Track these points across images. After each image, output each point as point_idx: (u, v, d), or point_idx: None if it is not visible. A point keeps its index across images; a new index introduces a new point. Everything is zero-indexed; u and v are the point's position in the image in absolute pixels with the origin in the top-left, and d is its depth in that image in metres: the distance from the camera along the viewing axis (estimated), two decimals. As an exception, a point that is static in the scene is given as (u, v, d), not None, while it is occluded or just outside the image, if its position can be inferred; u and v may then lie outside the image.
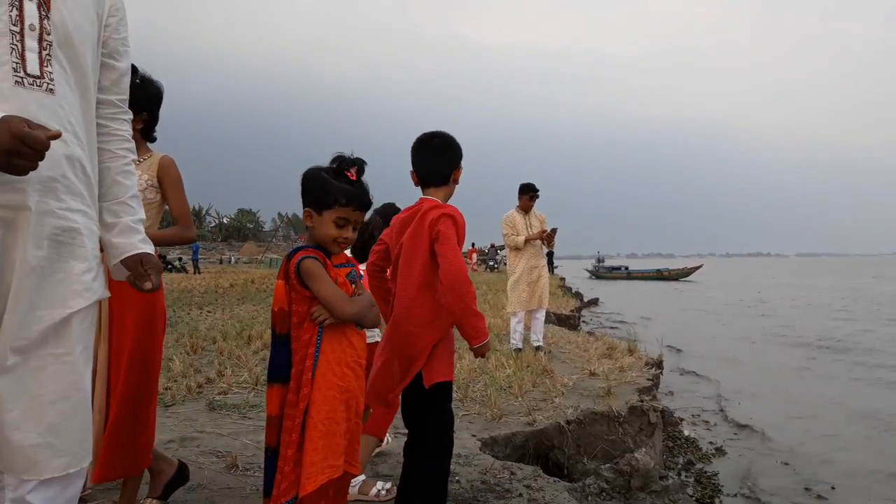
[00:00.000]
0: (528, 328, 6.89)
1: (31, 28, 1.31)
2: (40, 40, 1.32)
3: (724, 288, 33.32)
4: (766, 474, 4.93)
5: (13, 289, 1.28)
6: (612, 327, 13.66)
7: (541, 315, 6.71)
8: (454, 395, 4.46)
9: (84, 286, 1.37)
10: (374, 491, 2.72)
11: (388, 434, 3.39)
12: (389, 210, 2.92)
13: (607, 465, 3.30)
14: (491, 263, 33.14)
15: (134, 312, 2.21)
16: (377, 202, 2.16)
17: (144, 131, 2.41)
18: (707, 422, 6.47)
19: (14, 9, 1.29)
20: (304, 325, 1.87)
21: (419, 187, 2.41)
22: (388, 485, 2.75)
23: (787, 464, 5.18)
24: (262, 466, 1.96)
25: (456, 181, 2.41)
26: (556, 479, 3.23)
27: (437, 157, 2.38)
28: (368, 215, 2.32)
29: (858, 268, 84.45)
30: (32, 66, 1.30)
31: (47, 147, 1.22)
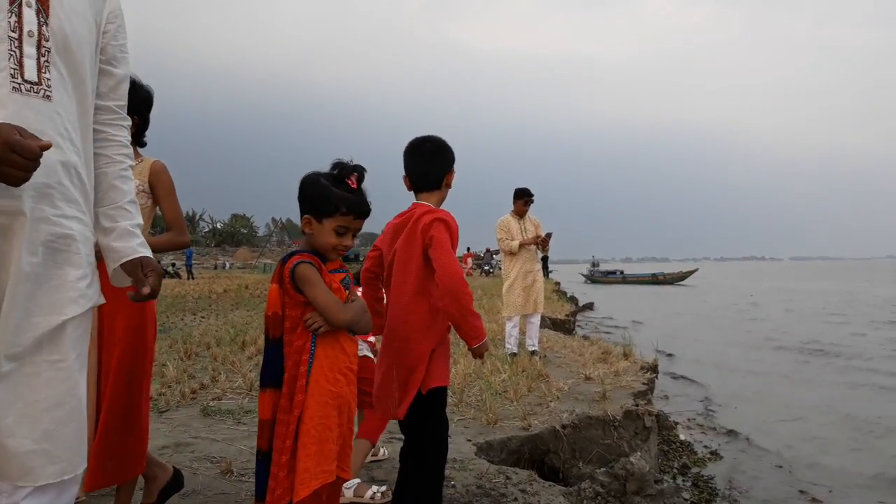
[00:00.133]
0: (523, 333, 6.90)
1: (30, 34, 1.31)
2: (38, 46, 1.32)
3: (719, 292, 33.43)
4: (761, 478, 4.94)
5: (7, 295, 1.27)
6: (606, 332, 13.68)
7: (536, 320, 6.72)
8: (449, 400, 4.47)
9: (79, 293, 1.37)
10: (369, 493, 2.72)
11: (383, 448, 3.39)
12: None
13: (603, 470, 3.30)
14: (486, 268, 33.19)
15: (124, 317, 2.20)
16: (372, 207, 2.17)
17: (135, 136, 2.40)
18: (701, 426, 6.49)
19: (13, 15, 1.29)
20: (298, 330, 1.87)
21: (412, 191, 2.42)
22: (384, 488, 2.76)
23: (780, 467, 5.20)
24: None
25: (448, 185, 2.41)
26: (551, 483, 3.23)
27: (429, 162, 2.38)
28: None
29: (853, 271, 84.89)
30: (30, 72, 1.30)
31: (39, 157, 1.21)
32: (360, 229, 1.96)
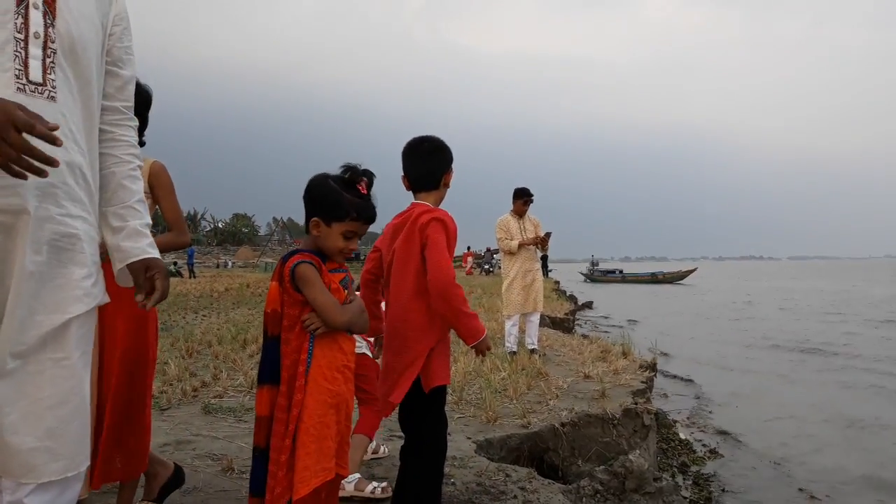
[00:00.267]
0: (522, 331, 6.92)
1: (36, 36, 1.32)
2: (44, 48, 1.33)
3: (717, 291, 33.41)
4: (760, 476, 4.96)
5: (12, 294, 1.28)
6: (605, 331, 13.70)
7: (535, 318, 6.74)
8: (449, 397, 4.49)
9: (83, 291, 1.38)
10: (369, 488, 2.74)
11: (383, 445, 3.41)
12: None
13: (602, 467, 3.32)
14: (486, 267, 33.19)
15: (125, 317, 2.21)
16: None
17: None
18: (699, 424, 6.50)
19: (19, 16, 1.30)
20: (296, 329, 1.89)
21: (410, 191, 2.43)
22: (384, 484, 2.78)
23: (778, 465, 5.21)
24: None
25: (447, 185, 2.43)
26: (550, 481, 3.25)
27: (427, 161, 2.40)
28: None
29: (850, 271, 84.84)
30: (35, 73, 1.31)
31: (38, 133, 1.16)
32: (364, 233, 1.98)
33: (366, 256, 2.60)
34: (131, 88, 1.61)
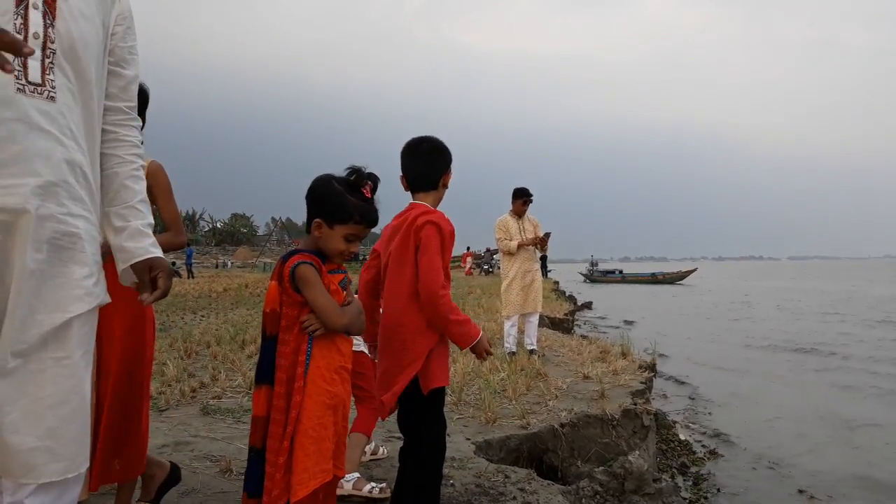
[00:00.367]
0: (522, 332, 6.91)
1: (35, 36, 1.32)
2: (44, 48, 1.33)
3: (717, 291, 33.44)
4: (759, 476, 4.96)
5: (13, 292, 1.28)
6: (603, 332, 13.69)
7: (534, 319, 6.73)
8: (448, 398, 4.48)
9: (85, 291, 1.38)
10: (367, 488, 2.74)
11: (382, 447, 3.40)
12: None
13: (601, 468, 3.31)
14: (485, 267, 33.20)
15: (122, 317, 2.20)
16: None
17: None
18: (697, 424, 6.50)
19: (18, 17, 1.30)
20: (294, 330, 1.88)
21: (409, 192, 2.43)
22: (383, 485, 2.78)
23: (778, 465, 5.21)
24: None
25: (445, 185, 2.43)
26: (550, 482, 3.24)
27: (426, 162, 2.40)
28: None
29: (850, 271, 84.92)
30: (34, 74, 1.32)
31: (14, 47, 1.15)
32: (366, 236, 1.98)
33: (364, 258, 2.60)
34: (134, 88, 1.61)
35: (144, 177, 1.63)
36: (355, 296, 2.07)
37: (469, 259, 34.75)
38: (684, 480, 4.70)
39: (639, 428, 4.20)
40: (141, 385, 2.28)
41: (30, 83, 1.31)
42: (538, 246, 6.65)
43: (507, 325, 6.69)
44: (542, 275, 9.53)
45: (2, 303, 1.29)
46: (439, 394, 2.30)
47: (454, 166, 2.46)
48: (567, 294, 22.50)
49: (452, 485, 3.00)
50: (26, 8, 1.31)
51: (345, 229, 1.91)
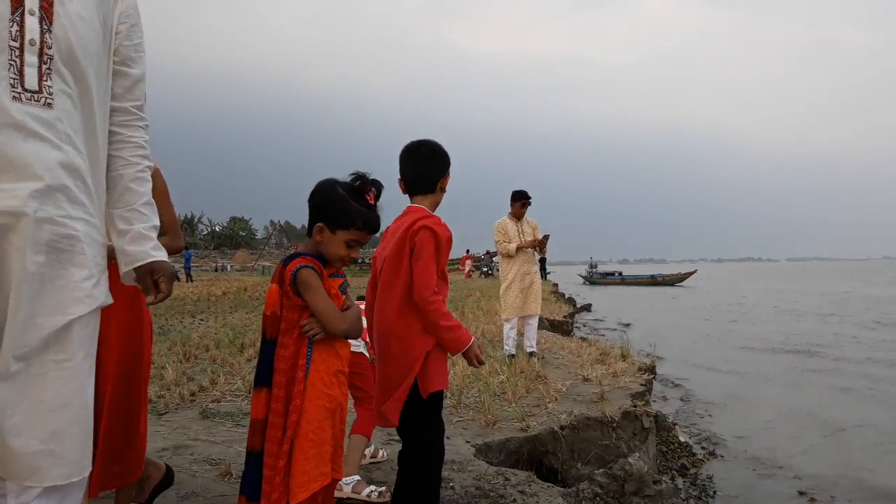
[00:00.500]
0: (521, 334, 6.91)
1: (31, 43, 1.32)
2: (40, 54, 1.33)
3: (716, 293, 33.46)
4: (760, 478, 4.96)
5: (13, 296, 1.28)
6: (601, 334, 13.69)
7: (534, 321, 6.73)
8: (448, 401, 4.48)
9: (84, 293, 1.38)
10: (366, 491, 2.74)
11: (382, 450, 3.40)
12: None
13: (601, 471, 3.31)
14: (485, 269, 33.18)
15: (119, 321, 2.20)
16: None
17: None
18: (697, 425, 6.50)
19: (14, 24, 1.30)
20: (294, 333, 1.88)
21: (407, 195, 2.43)
22: (382, 488, 2.77)
23: (780, 467, 5.21)
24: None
25: (443, 189, 2.43)
26: (550, 484, 3.24)
27: (423, 165, 2.40)
28: None
29: (848, 272, 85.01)
30: (31, 81, 1.32)
31: None
32: (367, 242, 1.99)
33: (363, 261, 2.60)
34: (141, 87, 1.60)
35: (150, 178, 1.63)
36: (354, 300, 2.08)
37: (468, 262, 34.74)
38: (684, 482, 4.70)
39: (639, 430, 4.20)
40: (139, 388, 2.27)
41: (26, 90, 1.31)
42: (537, 248, 6.66)
43: (506, 327, 6.68)
44: (542, 277, 9.52)
45: (1, 306, 1.29)
46: (438, 397, 2.30)
47: (453, 169, 2.46)
48: (566, 296, 22.49)
49: (452, 487, 2.99)
50: (22, 14, 1.30)
51: (347, 235, 1.91)
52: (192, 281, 29.36)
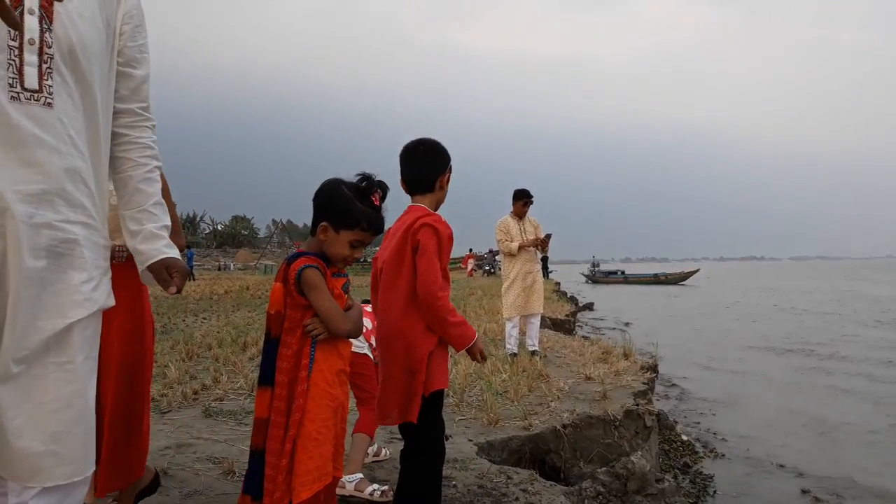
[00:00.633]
0: (523, 333, 6.91)
1: (31, 42, 1.31)
2: (40, 54, 1.32)
3: (719, 292, 33.42)
4: (763, 477, 4.95)
5: (12, 299, 1.28)
6: (603, 333, 13.68)
7: (536, 320, 6.73)
8: (450, 400, 4.48)
9: (84, 296, 1.38)
10: (369, 489, 2.74)
11: (385, 448, 3.40)
12: None
13: (604, 469, 3.31)
14: (487, 268, 33.17)
15: (121, 321, 2.20)
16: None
17: None
18: (698, 424, 6.50)
19: None
20: (297, 332, 1.88)
21: (408, 194, 2.43)
22: (385, 487, 2.77)
23: (782, 466, 5.21)
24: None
25: (443, 187, 2.43)
26: (552, 483, 3.24)
27: (423, 164, 2.40)
28: None
29: (851, 271, 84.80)
30: (31, 80, 1.31)
31: None
32: (370, 243, 1.99)
33: (366, 261, 2.60)
34: (147, 88, 1.61)
35: (159, 178, 1.63)
36: (357, 300, 2.08)
37: (471, 261, 34.75)
38: (687, 481, 4.69)
39: (641, 428, 4.20)
40: (142, 388, 2.28)
41: (26, 90, 1.30)
42: (539, 247, 6.66)
43: (508, 326, 6.69)
44: (544, 276, 9.53)
45: (1, 310, 1.29)
46: (438, 396, 2.30)
47: (454, 167, 2.46)
48: (569, 295, 22.47)
49: (455, 486, 3.00)
50: (21, 13, 1.29)
51: (351, 235, 1.92)
52: (194, 280, 29.41)
